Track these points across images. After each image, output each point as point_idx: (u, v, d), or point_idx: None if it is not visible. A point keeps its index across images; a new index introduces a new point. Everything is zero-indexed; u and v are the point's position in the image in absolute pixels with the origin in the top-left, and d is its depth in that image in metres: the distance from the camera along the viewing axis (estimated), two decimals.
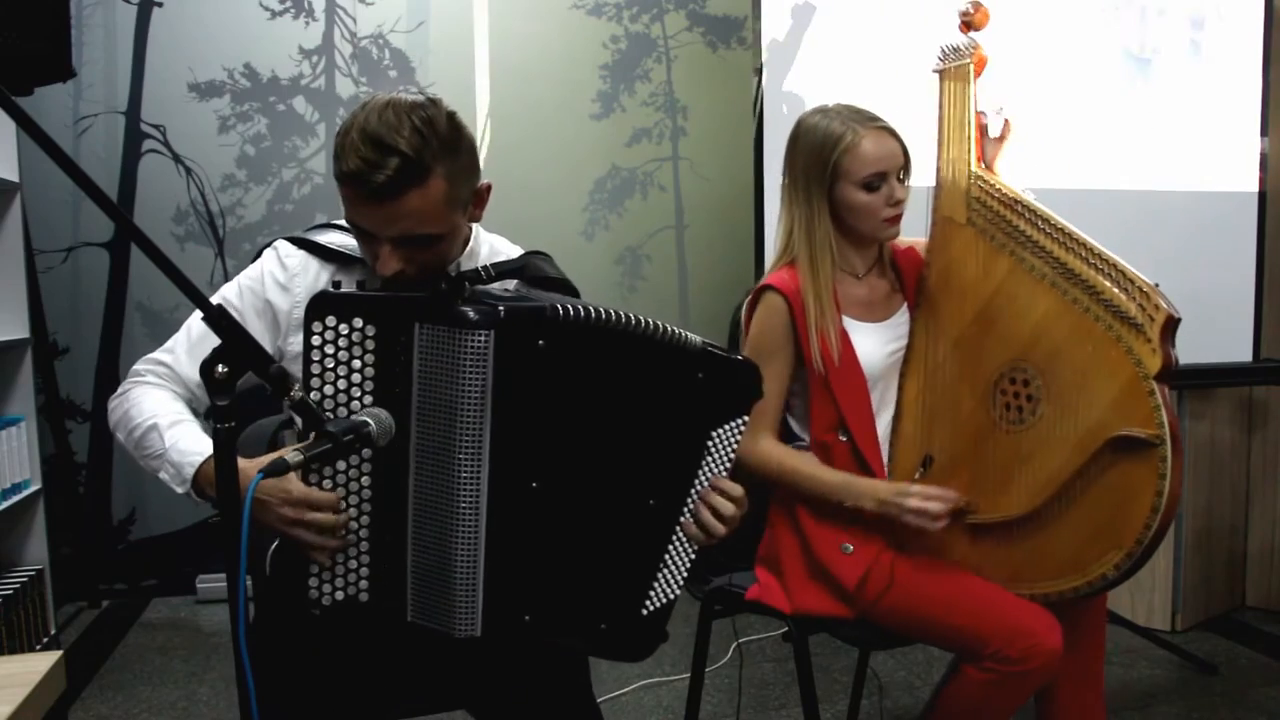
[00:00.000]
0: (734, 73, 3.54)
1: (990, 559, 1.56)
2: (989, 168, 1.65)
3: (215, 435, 0.95)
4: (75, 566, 3.14)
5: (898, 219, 1.61)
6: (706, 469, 1.23)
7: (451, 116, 1.16)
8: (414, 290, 1.13)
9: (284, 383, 0.99)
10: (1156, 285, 1.45)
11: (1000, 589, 1.51)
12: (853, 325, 1.63)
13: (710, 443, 1.22)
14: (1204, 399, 2.84)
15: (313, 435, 1.00)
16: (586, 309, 1.12)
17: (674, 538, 1.24)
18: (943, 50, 1.74)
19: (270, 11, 3.26)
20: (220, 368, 0.95)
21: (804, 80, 2.74)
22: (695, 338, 1.20)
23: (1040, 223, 1.55)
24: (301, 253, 1.30)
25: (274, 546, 1.35)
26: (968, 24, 1.73)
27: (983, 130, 1.68)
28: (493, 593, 1.12)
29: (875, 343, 1.64)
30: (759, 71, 2.75)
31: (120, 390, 1.28)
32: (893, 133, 1.60)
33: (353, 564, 1.15)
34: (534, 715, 1.30)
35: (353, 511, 1.13)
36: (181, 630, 2.96)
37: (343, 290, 1.09)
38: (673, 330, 1.17)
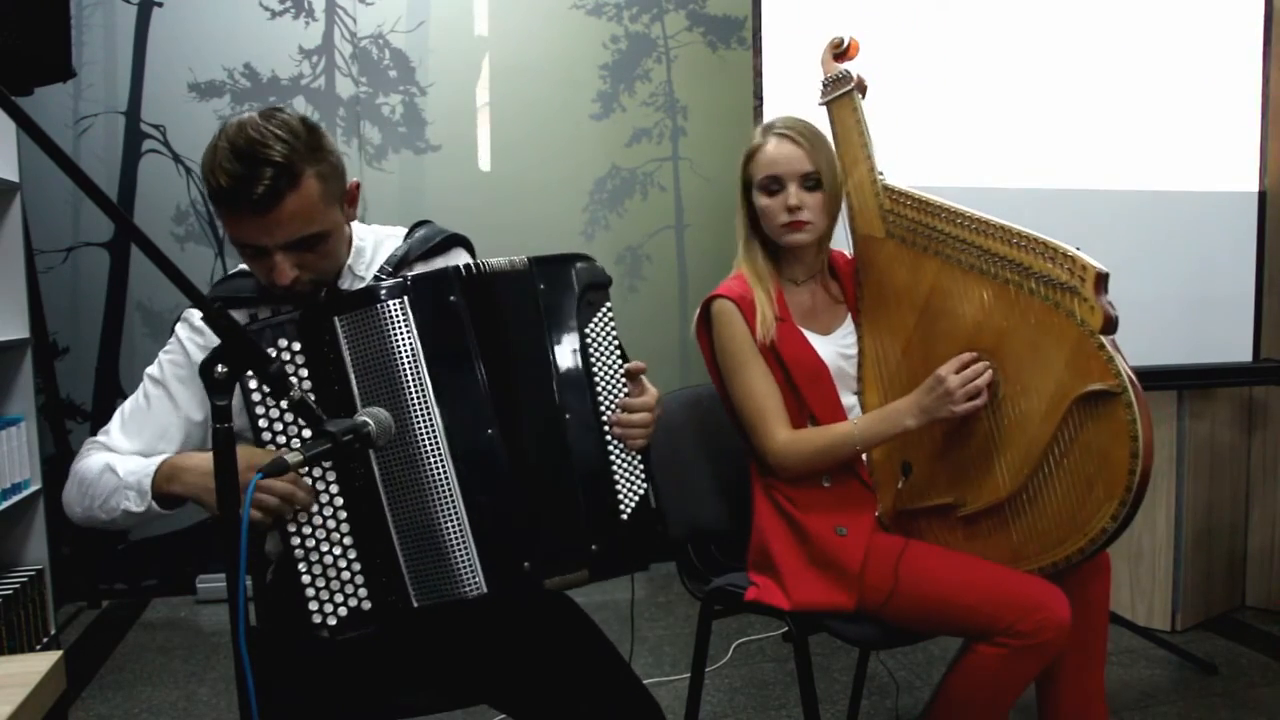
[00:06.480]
0: (734, 73, 3.54)
1: (990, 545, 1.58)
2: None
3: (215, 435, 0.96)
4: (75, 566, 3.14)
5: (796, 226, 1.66)
6: (598, 364, 1.31)
7: (305, 120, 1.23)
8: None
9: (283, 383, 0.99)
10: (1078, 248, 1.49)
11: (1003, 567, 1.53)
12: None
13: (587, 340, 1.29)
14: (1204, 399, 2.84)
15: (312, 435, 1.01)
16: (480, 263, 1.24)
17: (607, 438, 1.30)
18: (823, 84, 1.79)
19: (270, 11, 3.26)
20: (220, 368, 0.96)
21: (804, 80, 2.73)
22: (522, 258, 1.28)
23: (955, 218, 1.60)
24: None
25: (269, 580, 1.37)
26: (841, 55, 1.77)
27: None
28: (485, 544, 1.18)
29: (824, 354, 1.68)
30: (759, 71, 2.74)
31: (68, 477, 1.31)
32: (798, 140, 1.63)
33: (345, 574, 1.17)
34: (578, 704, 1.28)
35: (330, 524, 1.17)
36: (181, 630, 2.96)
37: (259, 321, 1.20)
38: (512, 258, 1.26)
